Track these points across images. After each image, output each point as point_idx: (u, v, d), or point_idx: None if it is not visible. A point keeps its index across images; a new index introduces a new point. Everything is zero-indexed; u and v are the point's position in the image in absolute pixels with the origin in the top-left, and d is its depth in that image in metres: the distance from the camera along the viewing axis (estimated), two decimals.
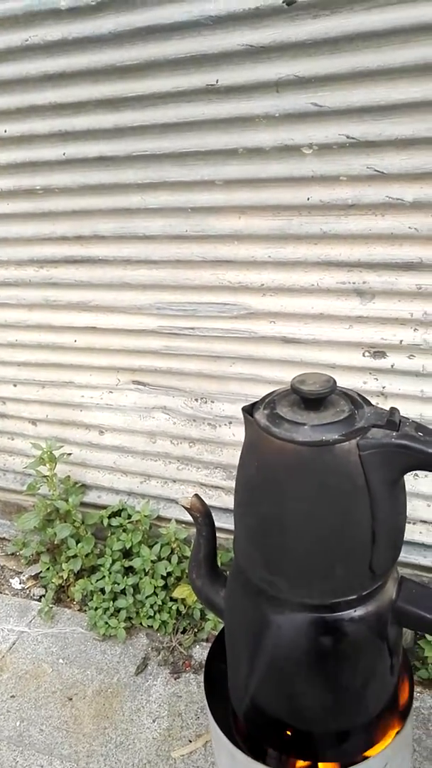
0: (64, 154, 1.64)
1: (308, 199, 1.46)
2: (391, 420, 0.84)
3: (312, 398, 0.85)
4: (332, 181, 1.42)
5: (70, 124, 1.59)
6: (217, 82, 1.41)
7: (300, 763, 1.03)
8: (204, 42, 1.37)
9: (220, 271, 1.64)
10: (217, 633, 1.80)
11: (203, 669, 1.69)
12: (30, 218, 1.78)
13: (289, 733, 0.98)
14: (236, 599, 1.00)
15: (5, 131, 1.66)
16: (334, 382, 0.86)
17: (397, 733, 1.01)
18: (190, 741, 1.52)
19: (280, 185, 1.48)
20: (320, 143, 1.39)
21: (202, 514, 1.08)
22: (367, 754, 1.00)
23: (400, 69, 1.24)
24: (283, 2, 1.26)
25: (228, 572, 1.08)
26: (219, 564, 1.13)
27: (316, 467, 0.81)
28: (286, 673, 0.93)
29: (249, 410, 0.90)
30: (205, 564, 1.10)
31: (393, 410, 0.86)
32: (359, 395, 0.92)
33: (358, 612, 0.90)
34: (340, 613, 0.89)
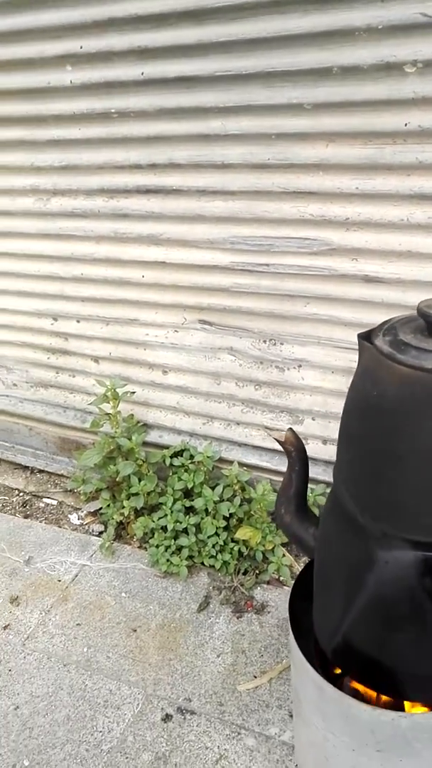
0: (142, 73, 1.55)
1: (406, 124, 1.36)
2: None
3: None
4: None
5: (150, 39, 1.50)
6: None
7: (386, 698, 1.02)
8: None
9: (302, 204, 1.55)
10: (278, 576, 1.81)
11: (266, 608, 1.70)
12: (103, 144, 1.70)
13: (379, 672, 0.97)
14: (334, 535, 0.97)
15: (81, 47, 1.57)
16: None
17: None
18: (255, 677, 1.53)
19: (376, 109, 1.37)
20: (426, 60, 1.27)
21: (297, 449, 1.04)
22: None
23: None
24: None
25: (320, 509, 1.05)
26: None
27: None
28: (389, 612, 0.90)
29: (366, 336, 0.84)
30: (296, 500, 1.07)
31: None
32: None
33: None
34: None
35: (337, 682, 1.04)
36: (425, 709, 1.00)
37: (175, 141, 1.62)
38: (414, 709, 1.01)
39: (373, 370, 0.82)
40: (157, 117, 1.60)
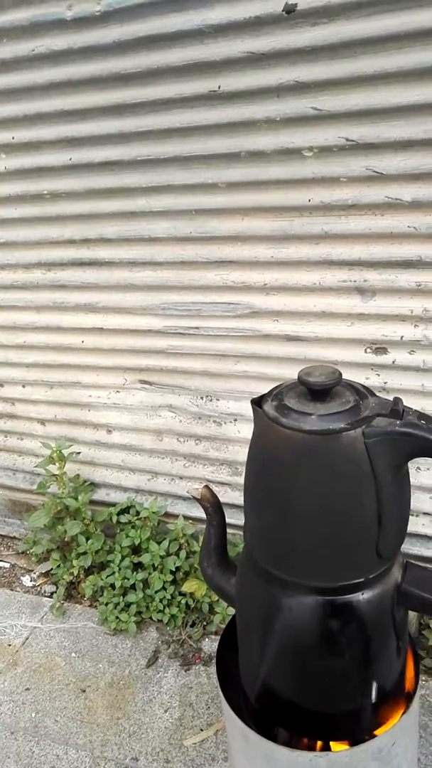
0: (70, 159, 1.68)
1: (309, 200, 1.51)
2: (395, 409, 0.88)
3: (318, 389, 0.89)
4: (332, 182, 1.46)
5: (76, 130, 1.64)
6: (219, 88, 1.45)
7: (310, 742, 1.07)
8: (206, 50, 1.42)
9: (224, 272, 1.68)
10: (225, 626, 1.85)
11: (213, 660, 1.74)
12: (38, 222, 1.82)
13: (298, 715, 1.02)
14: (247, 585, 1.04)
15: (13, 138, 1.71)
16: (340, 374, 0.90)
17: (404, 713, 1.05)
18: (202, 730, 1.56)
19: (282, 187, 1.52)
20: (320, 146, 1.43)
21: (213, 505, 1.12)
22: (375, 732, 1.04)
23: (396, 73, 1.29)
24: (283, 11, 1.31)
25: (238, 561, 1.12)
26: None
27: (323, 455, 0.85)
28: (297, 655, 0.97)
29: (258, 402, 0.94)
30: (216, 553, 1.14)
31: (397, 400, 0.91)
32: (364, 386, 0.96)
33: (365, 595, 0.93)
34: (348, 596, 0.92)
35: (274, 730, 1.08)
36: (345, 746, 1.06)
37: (105, 218, 1.74)
38: (336, 748, 1.06)
39: (263, 432, 0.92)
40: (86, 197, 1.73)
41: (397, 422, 0.86)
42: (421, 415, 0.88)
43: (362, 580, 0.92)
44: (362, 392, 0.94)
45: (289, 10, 1.30)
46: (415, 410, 0.90)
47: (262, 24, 1.35)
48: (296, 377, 0.93)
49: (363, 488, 0.87)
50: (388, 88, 1.31)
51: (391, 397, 1.64)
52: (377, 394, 1.62)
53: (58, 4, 1.49)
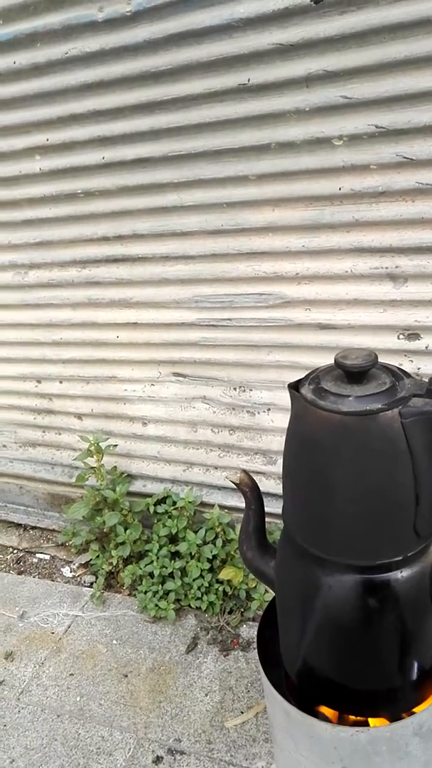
0: (103, 158, 1.72)
1: (340, 189, 1.52)
2: (431, 389, 0.89)
3: (355, 371, 0.91)
4: (363, 170, 1.47)
5: (108, 129, 1.68)
6: (248, 81, 1.47)
7: (351, 717, 1.09)
8: (234, 43, 1.44)
9: (256, 263, 1.70)
10: (262, 612, 1.87)
11: (252, 645, 1.76)
12: (72, 221, 1.87)
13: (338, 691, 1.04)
14: (287, 565, 1.06)
15: (47, 140, 1.76)
16: (376, 356, 0.92)
17: None
18: (242, 712, 1.59)
19: (312, 177, 1.53)
20: (350, 134, 1.44)
21: (251, 489, 1.14)
22: (415, 710, 1.05)
23: (425, 58, 1.29)
24: (311, 1, 1.32)
25: (277, 545, 1.15)
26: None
27: (361, 435, 0.87)
28: (336, 633, 0.99)
29: (295, 386, 0.96)
30: (255, 536, 1.17)
31: None
32: (400, 368, 0.97)
33: (404, 573, 0.95)
34: (386, 574, 0.94)
35: (314, 709, 1.11)
36: (385, 722, 1.08)
37: (137, 214, 1.78)
38: (375, 724, 1.08)
39: (301, 415, 0.94)
40: (119, 194, 1.77)
41: None
42: None
43: (400, 558, 0.94)
44: (398, 374, 0.95)
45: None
46: None
47: (290, 15, 1.36)
48: (320, 366, 0.95)
49: (400, 467, 0.88)
50: (417, 73, 1.32)
51: None
52: None
53: (89, 6, 1.53)
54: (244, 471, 1.15)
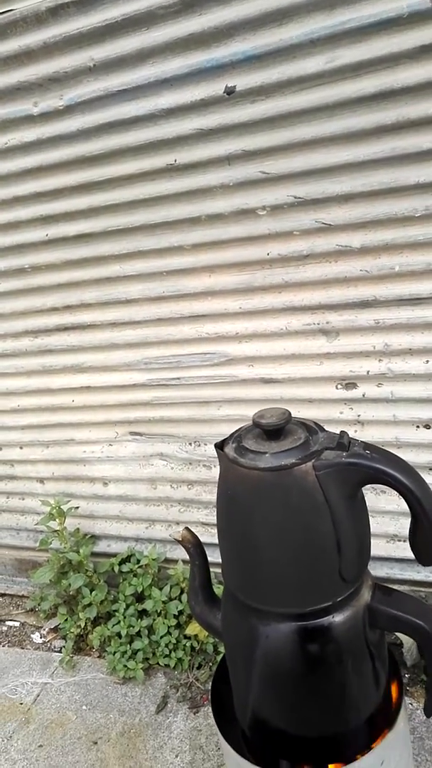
0: (47, 235, 1.83)
1: (268, 254, 1.63)
2: (341, 442, 0.97)
3: (271, 429, 0.98)
4: (287, 236, 1.59)
5: (50, 208, 1.79)
6: (175, 161, 1.60)
7: None
8: (160, 129, 1.57)
9: (198, 325, 1.80)
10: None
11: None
12: (22, 294, 1.96)
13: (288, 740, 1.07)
14: (229, 618, 1.11)
15: None
16: (289, 414, 1.00)
17: (389, 731, 1.10)
18: None
19: (242, 244, 1.65)
20: (272, 204, 1.56)
21: (193, 545, 1.20)
22: (372, 745, 1.08)
23: (330, 137, 1.43)
24: (224, 92, 1.46)
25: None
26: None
27: (279, 489, 0.94)
28: (277, 681, 1.03)
29: (220, 446, 1.03)
30: (202, 591, 1.21)
31: (342, 433, 1.00)
32: (314, 423, 1.05)
33: (336, 617, 1.00)
34: (319, 620, 0.99)
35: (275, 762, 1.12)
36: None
37: (83, 285, 1.87)
38: None
39: (225, 473, 1.01)
40: (65, 267, 1.86)
41: (344, 454, 0.95)
42: (367, 446, 0.97)
43: (330, 603, 0.99)
44: (313, 428, 1.03)
45: (230, 91, 1.46)
46: (361, 441, 0.99)
47: (207, 104, 1.50)
48: (242, 426, 1.02)
49: (319, 517, 0.95)
50: (324, 150, 1.45)
51: (365, 430, 1.74)
52: (352, 427, 1.72)
53: (25, 102, 1.66)
54: (186, 528, 1.20)
